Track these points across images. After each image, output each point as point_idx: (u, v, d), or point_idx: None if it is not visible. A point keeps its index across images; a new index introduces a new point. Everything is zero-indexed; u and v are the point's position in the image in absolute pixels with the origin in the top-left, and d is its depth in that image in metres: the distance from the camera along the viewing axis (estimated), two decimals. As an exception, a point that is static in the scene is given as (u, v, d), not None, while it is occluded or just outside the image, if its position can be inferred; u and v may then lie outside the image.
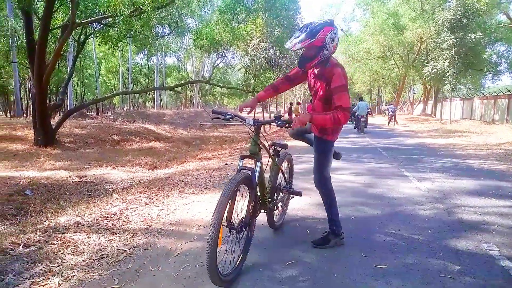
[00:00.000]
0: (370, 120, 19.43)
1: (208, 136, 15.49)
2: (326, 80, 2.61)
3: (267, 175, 2.87)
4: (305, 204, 4.11)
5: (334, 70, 2.58)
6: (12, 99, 24.34)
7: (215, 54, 17.96)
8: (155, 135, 14.65)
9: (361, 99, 18.64)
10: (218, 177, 5.91)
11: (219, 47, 16.05)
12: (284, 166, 3.34)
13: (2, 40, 13.73)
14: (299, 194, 3.29)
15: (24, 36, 11.00)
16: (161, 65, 37.04)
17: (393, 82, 36.50)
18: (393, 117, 21.76)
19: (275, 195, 3.09)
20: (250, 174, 2.47)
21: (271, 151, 3.01)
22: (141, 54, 36.56)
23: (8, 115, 23.82)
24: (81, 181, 6.27)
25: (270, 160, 3.03)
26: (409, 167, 6.80)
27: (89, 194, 5.42)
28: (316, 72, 2.75)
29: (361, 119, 15.40)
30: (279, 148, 3.11)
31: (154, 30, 16.38)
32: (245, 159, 2.59)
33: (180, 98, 43.21)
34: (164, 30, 18.89)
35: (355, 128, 16.78)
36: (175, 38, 28.33)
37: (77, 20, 10.08)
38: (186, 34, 18.15)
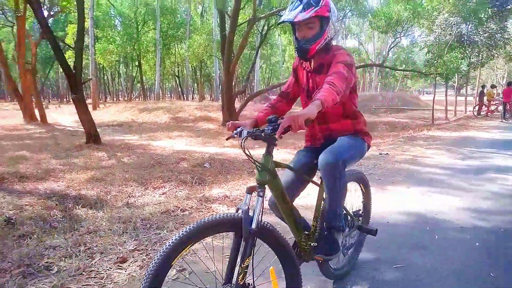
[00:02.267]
0: None
1: (379, 122, 14.79)
2: (329, 67, 1.86)
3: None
4: (449, 207, 3.64)
5: (336, 52, 1.91)
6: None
7: (394, 34, 16.78)
8: (325, 119, 15.02)
9: None
10: (364, 167, 5.77)
11: (398, 27, 14.88)
12: (352, 193, 2.31)
13: (204, 37, 16.63)
14: (373, 232, 2.27)
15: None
16: (341, 48, 36.97)
17: None
18: None
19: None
20: (240, 220, 1.54)
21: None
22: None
23: (210, 99, 29.04)
24: (247, 159, 7.21)
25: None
26: None
27: (251, 171, 6.20)
28: (311, 67, 2.01)
29: None
30: None
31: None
32: (253, 192, 1.66)
33: (358, 81, 42.42)
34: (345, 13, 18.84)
35: None
36: (356, 20, 27.77)
37: (258, 15, 11.30)
38: (365, 15, 17.60)
